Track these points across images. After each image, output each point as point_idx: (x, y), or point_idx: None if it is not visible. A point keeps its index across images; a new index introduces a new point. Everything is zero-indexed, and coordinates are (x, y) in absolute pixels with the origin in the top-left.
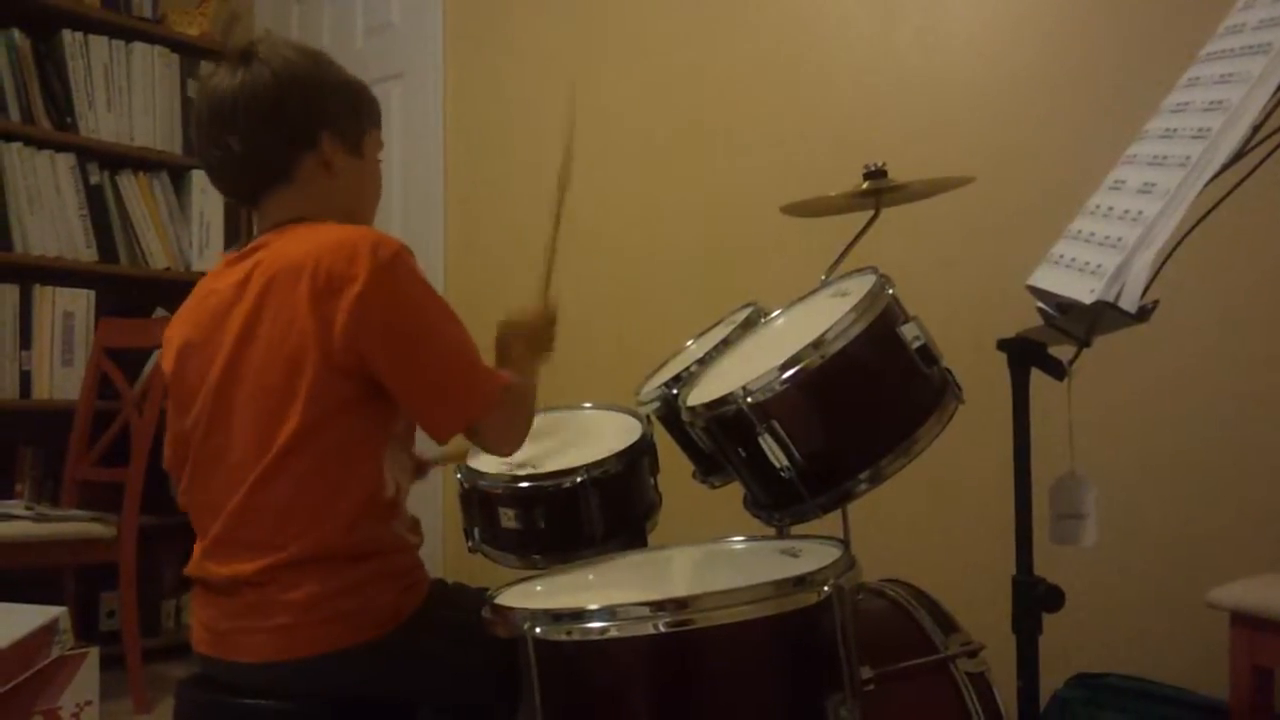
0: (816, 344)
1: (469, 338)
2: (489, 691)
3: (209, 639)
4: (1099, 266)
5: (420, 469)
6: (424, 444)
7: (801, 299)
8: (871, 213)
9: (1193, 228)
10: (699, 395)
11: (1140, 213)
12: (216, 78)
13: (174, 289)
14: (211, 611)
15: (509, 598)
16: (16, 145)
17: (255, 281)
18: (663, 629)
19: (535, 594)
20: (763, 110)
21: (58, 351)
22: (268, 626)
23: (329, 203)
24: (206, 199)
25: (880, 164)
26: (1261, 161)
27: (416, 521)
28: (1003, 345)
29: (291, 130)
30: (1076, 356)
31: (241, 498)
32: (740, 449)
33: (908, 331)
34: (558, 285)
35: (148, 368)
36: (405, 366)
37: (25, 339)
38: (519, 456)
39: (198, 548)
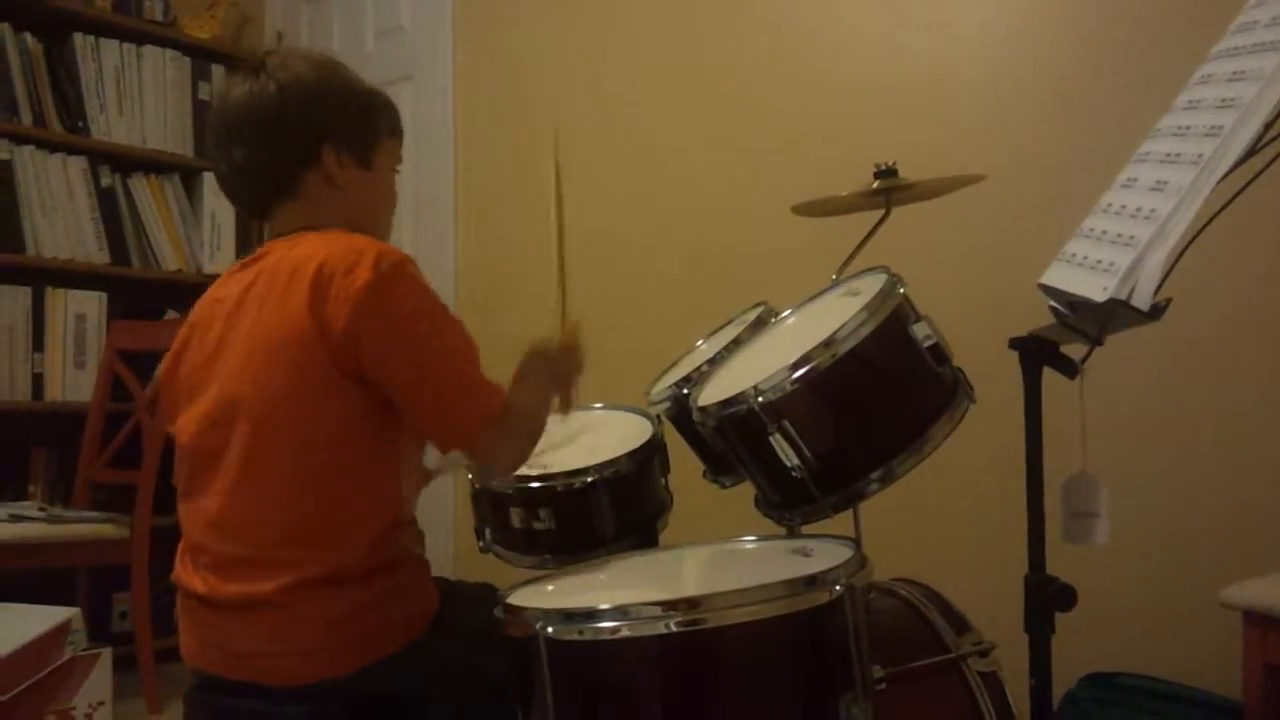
0: (828, 343)
1: (471, 349)
2: (505, 690)
3: (220, 659)
4: (1112, 264)
5: (425, 478)
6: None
7: (812, 298)
8: (882, 212)
9: (1205, 225)
10: (710, 395)
11: (1153, 210)
12: (229, 89)
13: (185, 291)
14: (219, 632)
15: (520, 597)
16: (29, 148)
17: (259, 287)
18: (674, 628)
19: (547, 594)
20: (773, 110)
21: (70, 353)
22: (295, 650)
23: (335, 215)
24: (218, 201)
25: (891, 163)
26: (1274, 159)
27: (421, 534)
28: (1014, 344)
29: (292, 146)
30: (1089, 355)
31: (250, 511)
32: (751, 449)
33: (919, 330)
34: (571, 292)
35: (160, 370)
36: (406, 373)
37: (38, 341)
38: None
39: (187, 558)
